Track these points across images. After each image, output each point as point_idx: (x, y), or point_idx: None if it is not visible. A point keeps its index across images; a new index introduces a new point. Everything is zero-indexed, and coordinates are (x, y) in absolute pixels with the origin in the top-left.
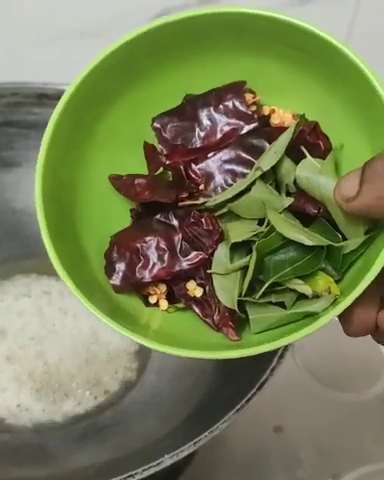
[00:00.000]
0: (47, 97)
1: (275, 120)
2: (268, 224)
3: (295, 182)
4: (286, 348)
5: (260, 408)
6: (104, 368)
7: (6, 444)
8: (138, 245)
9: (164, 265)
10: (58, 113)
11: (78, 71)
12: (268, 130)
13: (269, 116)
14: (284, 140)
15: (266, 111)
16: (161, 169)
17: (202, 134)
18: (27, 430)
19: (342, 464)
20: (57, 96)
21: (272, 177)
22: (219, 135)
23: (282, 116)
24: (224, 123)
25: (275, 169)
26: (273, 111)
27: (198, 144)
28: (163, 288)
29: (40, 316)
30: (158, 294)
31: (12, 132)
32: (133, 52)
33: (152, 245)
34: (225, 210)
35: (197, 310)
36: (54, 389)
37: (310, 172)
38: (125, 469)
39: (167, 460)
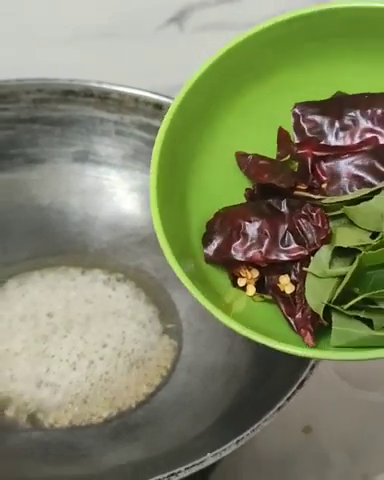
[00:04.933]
0: (73, 94)
1: None
2: (381, 238)
3: None
4: None
5: (288, 408)
6: (134, 365)
7: (39, 442)
8: (241, 223)
9: (261, 249)
10: (197, 76)
11: (94, 72)
12: None
13: None
14: None
15: None
16: (288, 156)
17: (340, 134)
18: (59, 428)
19: (373, 465)
20: (84, 93)
21: None
22: (357, 139)
23: None
24: (367, 129)
25: None
26: None
27: (332, 142)
28: (255, 274)
29: (67, 309)
30: (248, 278)
31: (36, 128)
32: (286, 33)
33: (255, 226)
34: (339, 212)
35: (282, 306)
36: (84, 387)
37: None
38: (161, 468)
39: (210, 459)
